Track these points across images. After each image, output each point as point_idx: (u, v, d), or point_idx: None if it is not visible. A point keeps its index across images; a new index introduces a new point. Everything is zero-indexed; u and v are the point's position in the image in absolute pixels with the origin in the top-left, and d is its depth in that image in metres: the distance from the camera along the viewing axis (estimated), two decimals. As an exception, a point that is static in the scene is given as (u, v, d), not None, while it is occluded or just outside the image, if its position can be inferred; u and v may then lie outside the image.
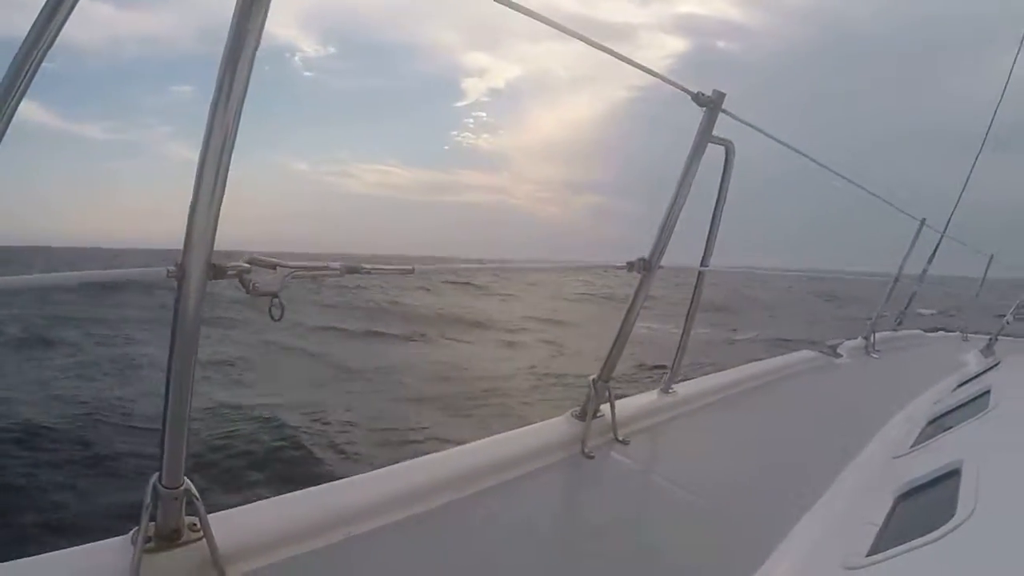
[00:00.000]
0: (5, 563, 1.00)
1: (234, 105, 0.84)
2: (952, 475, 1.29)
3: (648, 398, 2.23)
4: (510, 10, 1.07)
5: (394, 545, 1.24)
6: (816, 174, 2.39)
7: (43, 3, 0.71)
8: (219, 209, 0.88)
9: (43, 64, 0.73)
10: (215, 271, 0.91)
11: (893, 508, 1.36)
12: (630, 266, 1.75)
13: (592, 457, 1.75)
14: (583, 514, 1.55)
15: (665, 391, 2.29)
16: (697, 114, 1.70)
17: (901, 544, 1.08)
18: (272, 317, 0.93)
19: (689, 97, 1.65)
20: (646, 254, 1.77)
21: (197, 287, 0.90)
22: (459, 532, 1.33)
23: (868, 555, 1.14)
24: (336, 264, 0.97)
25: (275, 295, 0.93)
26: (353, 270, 0.98)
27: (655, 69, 1.50)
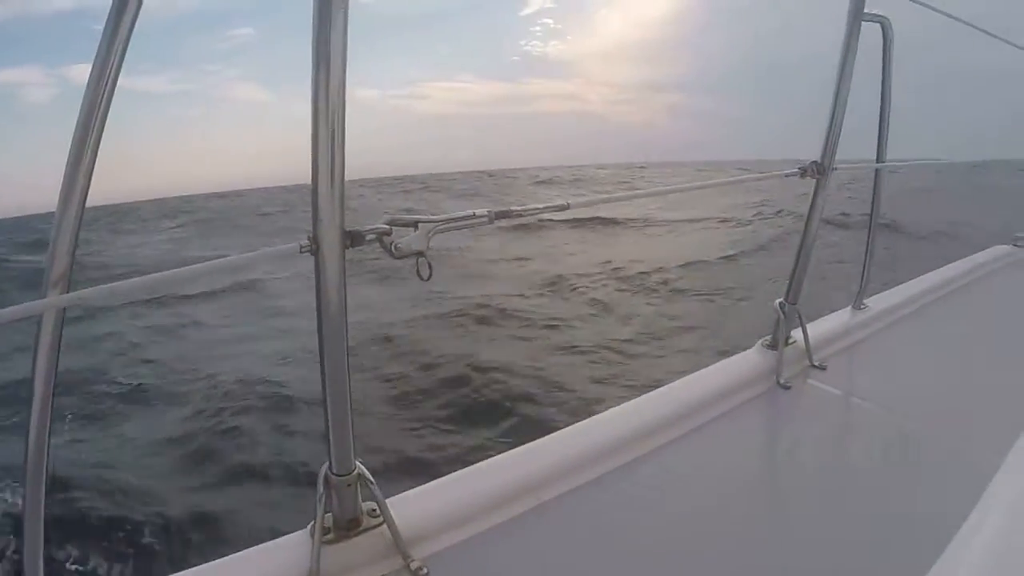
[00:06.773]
0: (187, 571, 0.94)
1: (338, 61, 0.77)
2: None
3: (839, 318, 2.06)
4: None
5: (589, 506, 1.17)
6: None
7: None
8: (343, 170, 0.81)
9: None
10: (352, 238, 0.85)
11: None
12: (802, 172, 1.59)
13: (789, 387, 1.63)
14: (788, 449, 1.46)
15: (857, 307, 2.11)
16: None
17: None
18: (420, 277, 0.88)
19: None
20: (817, 157, 1.59)
21: (335, 258, 0.85)
22: (658, 484, 1.24)
23: None
24: (482, 212, 0.90)
25: (420, 254, 0.88)
26: (503, 215, 0.91)
27: None
